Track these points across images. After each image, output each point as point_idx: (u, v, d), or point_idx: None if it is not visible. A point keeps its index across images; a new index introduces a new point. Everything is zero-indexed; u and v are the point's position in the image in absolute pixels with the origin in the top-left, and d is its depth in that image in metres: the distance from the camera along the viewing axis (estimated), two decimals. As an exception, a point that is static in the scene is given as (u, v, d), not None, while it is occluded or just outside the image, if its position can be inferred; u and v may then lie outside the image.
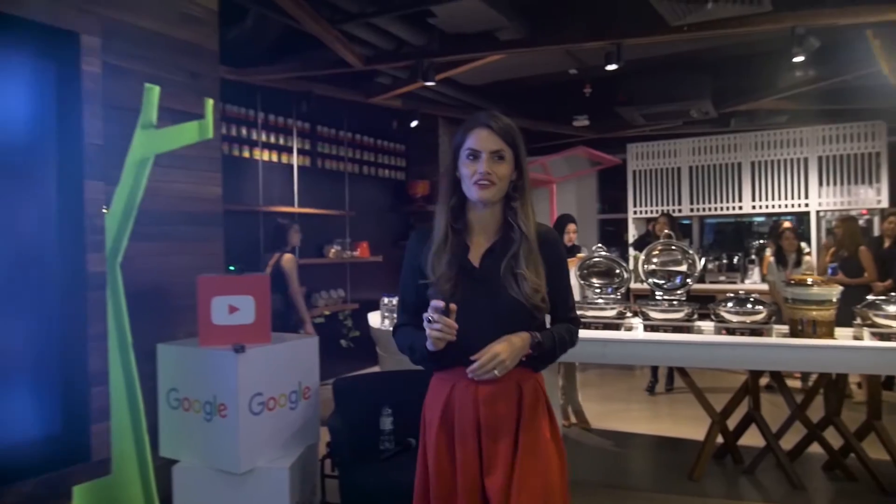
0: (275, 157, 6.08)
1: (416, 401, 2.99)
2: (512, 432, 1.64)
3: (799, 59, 4.61)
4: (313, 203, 6.41)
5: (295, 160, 6.29)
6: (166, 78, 2.93)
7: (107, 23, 2.60)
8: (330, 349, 5.57)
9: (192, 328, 3.00)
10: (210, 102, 3.23)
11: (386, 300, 4.32)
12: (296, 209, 6.18)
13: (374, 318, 4.70)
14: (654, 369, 5.89)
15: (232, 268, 3.21)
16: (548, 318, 1.77)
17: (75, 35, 2.46)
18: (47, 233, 2.46)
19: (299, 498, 2.78)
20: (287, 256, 4.75)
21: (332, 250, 6.50)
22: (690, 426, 4.48)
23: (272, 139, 6.05)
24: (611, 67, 4.52)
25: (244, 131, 5.74)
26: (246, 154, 5.76)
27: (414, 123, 6.92)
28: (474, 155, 1.62)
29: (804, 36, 4.07)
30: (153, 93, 2.93)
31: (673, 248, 3.98)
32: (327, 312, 6.45)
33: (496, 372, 1.57)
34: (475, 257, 1.68)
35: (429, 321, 1.55)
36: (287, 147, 6.23)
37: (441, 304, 1.54)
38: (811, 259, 6.02)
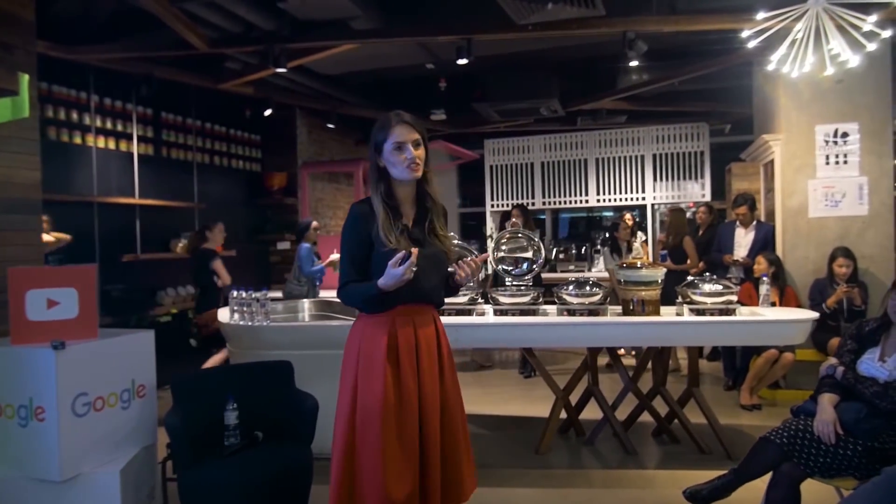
0: (112, 145, 5.61)
1: (265, 391, 2.92)
2: (437, 349, 2.14)
3: (634, 62, 5.01)
4: (157, 194, 6.00)
5: (135, 148, 5.85)
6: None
7: None
8: (177, 350, 5.26)
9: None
10: (25, 78, 2.93)
11: (235, 293, 4.15)
12: (136, 200, 5.76)
13: (223, 314, 4.49)
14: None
15: (50, 258, 2.93)
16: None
17: None
18: None
19: (133, 503, 2.60)
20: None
21: (180, 244, 6.13)
22: (539, 405, 4.73)
23: (108, 125, 5.58)
24: (462, 62, 4.64)
25: (74, 115, 5.24)
26: (77, 140, 5.27)
27: (268, 112, 6.67)
28: (400, 146, 2.03)
29: (634, 40, 4.43)
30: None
31: (519, 235, 4.18)
32: (174, 311, 6.08)
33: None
34: (409, 224, 2.13)
35: (399, 264, 1.93)
36: (126, 134, 5.77)
37: (408, 253, 1.94)
38: (638, 246, 6.56)
